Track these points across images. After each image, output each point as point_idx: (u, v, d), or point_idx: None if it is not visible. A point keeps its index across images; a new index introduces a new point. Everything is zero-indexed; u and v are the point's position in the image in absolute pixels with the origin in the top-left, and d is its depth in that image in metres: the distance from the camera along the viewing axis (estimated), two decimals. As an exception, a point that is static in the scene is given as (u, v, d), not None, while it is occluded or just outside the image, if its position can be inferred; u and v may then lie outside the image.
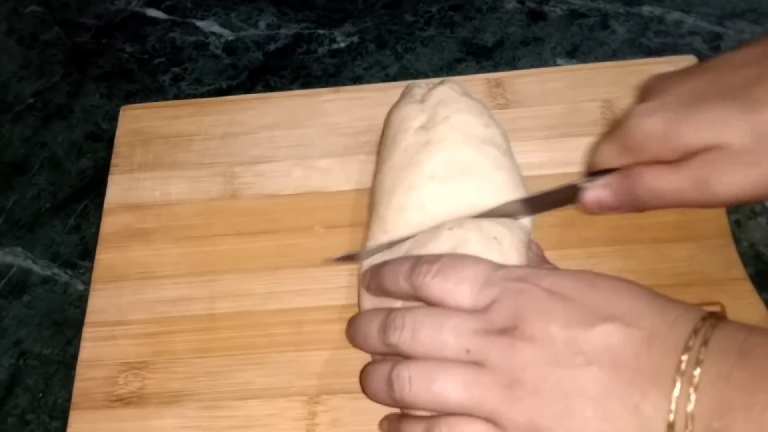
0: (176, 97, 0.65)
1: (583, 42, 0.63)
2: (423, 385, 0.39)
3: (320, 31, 0.67)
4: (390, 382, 0.40)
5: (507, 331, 0.38)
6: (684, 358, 0.35)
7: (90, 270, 0.54)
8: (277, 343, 0.49)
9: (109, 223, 0.56)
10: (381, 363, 0.42)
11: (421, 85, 0.51)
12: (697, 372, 0.34)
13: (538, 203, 0.47)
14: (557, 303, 0.38)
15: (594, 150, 0.45)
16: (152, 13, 0.70)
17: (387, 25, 0.67)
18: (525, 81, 0.58)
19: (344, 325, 0.49)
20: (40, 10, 0.72)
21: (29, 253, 0.58)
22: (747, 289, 0.48)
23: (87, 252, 0.57)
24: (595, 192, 0.45)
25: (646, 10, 0.64)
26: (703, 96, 0.41)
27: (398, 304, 0.43)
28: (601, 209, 0.45)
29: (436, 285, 0.40)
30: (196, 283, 0.52)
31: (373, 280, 0.45)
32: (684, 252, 0.50)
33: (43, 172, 0.62)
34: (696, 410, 0.34)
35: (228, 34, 0.68)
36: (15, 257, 0.58)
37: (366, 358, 0.48)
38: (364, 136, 0.57)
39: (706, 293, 0.48)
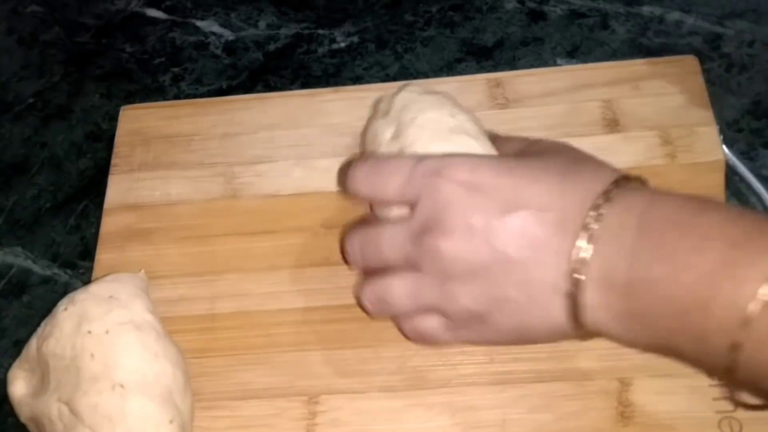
0: (176, 97, 0.65)
1: (583, 42, 0.63)
2: (379, 302, 0.44)
3: (320, 31, 0.67)
4: (360, 303, 0.46)
5: (430, 230, 0.40)
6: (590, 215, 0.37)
7: (90, 270, 0.54)
8: (277, 343, 0.49)
9: (109, 223, 0.56)
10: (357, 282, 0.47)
11: (384, 99, 0.51)
12: (596, 226, 0.37)
13: None
14: (471, 196, 0.40)
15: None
16: (152, 13, 0.70)
17: (387, 25, 0.67)
18: (525, 81, 0.58)
19: (344, 325, 0.49)
20: (40, 10, 0.72)
21: (29, 253, 0.58)
22: (747, 289, 0.48)
23: (87, 252, 0.57)
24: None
25: (646, 10, 0.64)
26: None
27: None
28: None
29: (366, 183, 0.44)
30: (196, 283, 0.52)
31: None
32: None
33: (43, 172, 0.62)
34: (591, 258, 0.37)
35: (228, 34, 0.68)
36: (15, 257, 0.58)
37: (367, 361, 0.48)
38: (364, 136, 0.57)
39: (706, 293, 0.48)
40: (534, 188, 0.39)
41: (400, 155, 0.45)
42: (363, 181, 0.44)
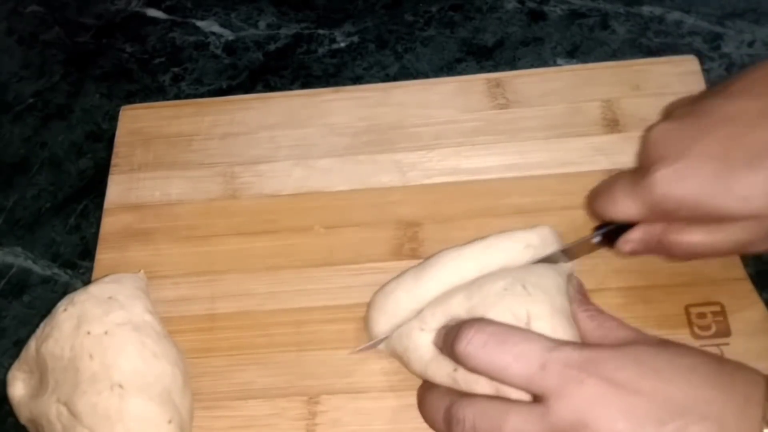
0: (176, 97, 0.65)
1: (583, 42, 0.63)
2: None
3: (320, 31, 0.67)
4: None
5: None
6: None
7: (90, 270, 0.54)
8: (277, 343, 0.49)
9: (109, 223, 0.56)
10: None
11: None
12: None
13: (569, 253, 0.48)
14: (622, 398, 0.36)
15: (610, 200, 0.45)
16: (152, 13, 0.70)
17: (387, 25, 0.67)
18: (525, 81, 0.58)
19: (344, 325, 0.49)
20: (40, 10, 0.72)
21: (29, 253, 0.58)
22: (747, 289, 0.48)
23: (87, 252, 0.57)
24: (628, 246, 0.46)
25: (646, 10, 0.64)
26: (730, 160, 0.41)
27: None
28: (636, 253, 0.46)
29: (484, 358, 0.38)
30: (196, 283, 0.52)
31: (440, 343, 0.43)
32: (684, 252, 0.50)
33: (43, 172, 0.62)
34: None
35: (228, 34, 0.68)
36: (15, 257, 0.58)
37: (367, 361, 0.48)
38: (364, 136, 0.57)
39: (706, 293, 0.48)
40: (690, 394, 0.36)
41: (518, 327, 0.40)
42: (480, 352, 0.38)
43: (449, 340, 0.40)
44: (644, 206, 0.43)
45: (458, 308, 0.43)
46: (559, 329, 0.41)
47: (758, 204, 0.40)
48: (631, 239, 0.45)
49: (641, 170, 0.44)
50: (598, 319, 0.42)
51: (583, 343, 0.40)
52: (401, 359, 0.46)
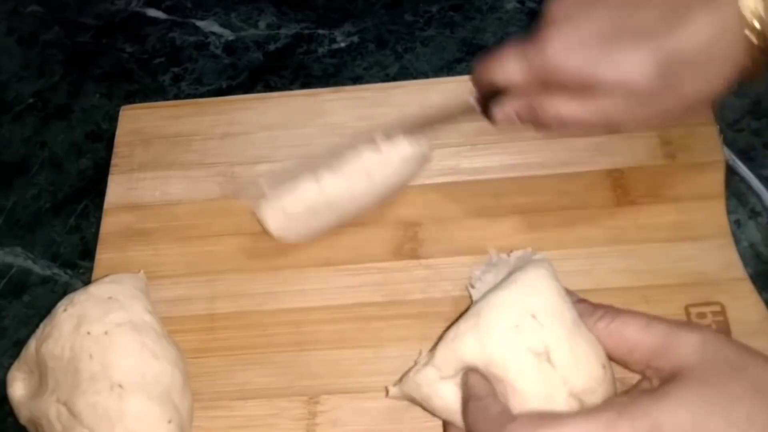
0: (176, 97, 0.65)
1: (583, 42, 0.63)
2: None
3: (320, 31, 0.67)
4: None
5: None
6: None
7: (90, 270, 0.54)
8: (277, 343, 0.49)
9: (109, 223, 0.56)
10: None
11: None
12: None
13: (436, 119, 0.51)
14: None
15: (498, 62, 0.46)
16: (152, 13, 0.70)
17: (387, 25, 0.67)
18: (525, 81, 0.58)
19: (344, 325, 0.49)
20: (40, 10, 0.72)
21: (29, 253, 0.58)
22: (747, 289, 0.48)
23: (87, 252, 0.57)
24: (504, 113, 0.48)
25: (646, 10, 0.64)
26: (617, 34, 0.42)
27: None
28: (509, 125, 0.48)
29: None
30: (195, 283, 0.52)
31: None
32: (684, 252, 0.50)
33: (43, 172, 0.62)
34: None
35: (228, 34, 0.68)
36: (15, 257, 0.58)
37: (367, 361, 0.48)
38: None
39: (706, 293, 0.48)
40: None
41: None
42: None
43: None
44: (529, 68, 0.45)
45: (473, 357, 0.41)
46: (581, 355, 0.40)
47: (629, 71, 0.42)
48: (506, 106, 0.47)
49: (533, 37, 0.45)
50: (616, 332, 0.40)
51: (625, 406, 0.36)
52: (420, 405, 0.44)
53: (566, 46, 0.43)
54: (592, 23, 0.43)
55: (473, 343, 0.41)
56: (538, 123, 0.46)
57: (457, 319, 0.43)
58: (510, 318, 0.41)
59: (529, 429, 0.37)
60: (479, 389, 0.40)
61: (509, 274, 0.44)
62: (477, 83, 0.49)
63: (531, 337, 0.40)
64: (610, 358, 0.41)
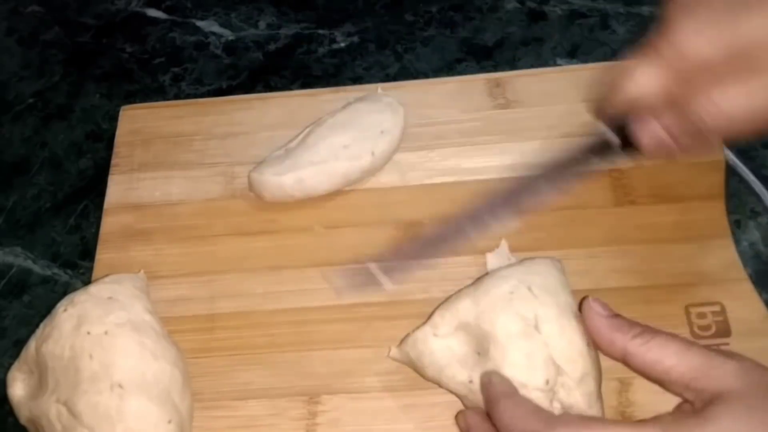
0: (176, 97, 0.65)
1: (583, 42, 0.63)
2: None
3: (320, 31, 0.67)
4: None
5: None
6: None
7: (90, 270, 0.54)
8: (277, 343, 0.49)
9: (109, 223, 0.56)
10: None
11: None
12: None
13: (568, 170, 0.43)
14: None
15: (627, 76, 0.40)
16: (152, 13, 0.70)
17: (387, 25, 0.67)
18: (525, 81, 0.58)
19: (344, 325, 0.49)
20: (40, 10, 0.72)
21: (29, 253, 0.58)
22: (747, 289, 0.48)
23: (87, 252, 0.57)
24: (651, 130, 0.41)
25: (646, 10, 0.64)
26: (743, 1, 0.37)
27: None
28: (661, 149, 0.41)
29: None
30: (196, 283, 0.52)
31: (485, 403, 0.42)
32: (684, 252, 0.50)
33: (43, 172, 0.62)
34: None
35: (228, 34, 0.68)
36: (15, 257, 0.58)
37: (367, 361, 0.48)
38: (364, 136, 0.57)
39: (706, 293, 0.48)
40: None
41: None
42: None
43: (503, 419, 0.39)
44: (667, 67, 0.39)
45: (467, 314, 0.44)
46: (567, 329, 0.42)
47: None
48: (651, 125, 0.40)
49: (656, 38, 0.39)
50: (654, 351, 0.39)
51: (666, 423, 0.37)
52: (414, 365, 0.46)
53: (698, 25, 0.38)
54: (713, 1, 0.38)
55: (469, 302, 0.44)
56: (697, 133, 0.39)
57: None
58: (507, 286, 0.44)
59: (573, 428, 0.37)
60: (506, 386, 0.41)
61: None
62: (605, 113, 0.43)
63: (523, 304, 0.43)
64: (644, 376, 0.41)
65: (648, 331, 0.40)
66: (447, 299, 0.46)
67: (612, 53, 0.62)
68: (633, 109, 0.41)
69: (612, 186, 0.52)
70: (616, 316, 0.42)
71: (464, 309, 0.44)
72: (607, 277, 0.49)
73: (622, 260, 0.49)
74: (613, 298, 0.48)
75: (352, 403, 0.47)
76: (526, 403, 0.40)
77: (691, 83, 0.39)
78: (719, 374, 0.37)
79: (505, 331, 0.42)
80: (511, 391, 0.41)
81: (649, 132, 0.41)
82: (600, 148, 0.43)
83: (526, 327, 0.42)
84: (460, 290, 0.46)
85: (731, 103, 0.38)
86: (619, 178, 0.53)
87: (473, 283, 0.45)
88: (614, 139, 0.42)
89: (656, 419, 0.38)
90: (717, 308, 0.48)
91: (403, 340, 0.46)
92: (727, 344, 0.46)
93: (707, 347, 0.39)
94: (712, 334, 0.47)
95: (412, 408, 0.46)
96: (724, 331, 0.47)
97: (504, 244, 0.50)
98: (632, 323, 0.41)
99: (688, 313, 0.48)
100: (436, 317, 0.45)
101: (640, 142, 0.41)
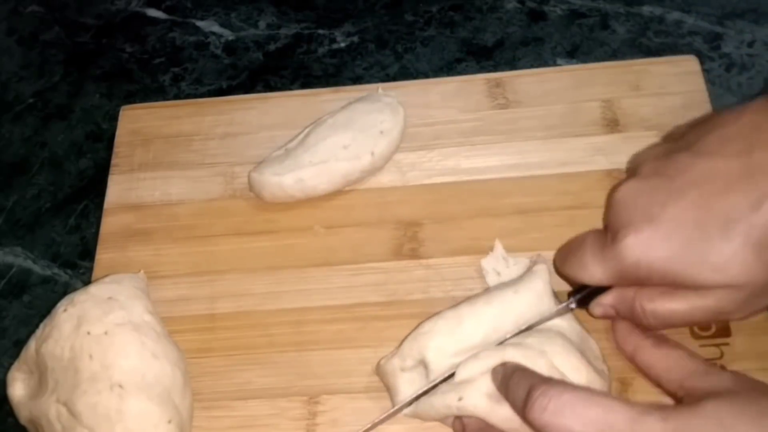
0: (176, 97, 0.65)
1: (583, 42, 0.63)
2: None
3: (320, 31, 0.67)
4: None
5: None
6: None
7: (90, 270, 0.54)
8: (277, 343, 0.49)
9: (109, 223, 0.55)
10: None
11: None
12: None
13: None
14: None
15: (579, 265, 0.44)
16: (152, 13, 0.70)
17: (387, 25, 0.67)
18: (525, 81, 0.58)
19: (344, 325, 0.49)
20: (40, 10, 0.72)
21: (29, 253, 0.58)
22: (747, 289, 0.48)
23: (87, 252, 0.57)
24: (600, 310, 0.44)
25: (646, 10, 0.64)
26: (702, 227, 0.39)
27: None
28: (610, 317, 0.45)
29: (562, 430, 0.36)
30: (196, 283, 0.52)
31: (499, 386, 0.42)
32: (684, 252, 0.50)
33: (43, 172, 0.62)
34: None
35: (228, 34, 0.68)
36: (15, 257, 0.58)
37: (367, 361, 0.48)
38: (364, 136, 0.57)
39: (706, 293, 0.48)
40: None
41: (597, 393, 0.39)
42: (556, 420, 0.36)
43: (516, 397, 0.39)
44: (613, 272, 0.42)
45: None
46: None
47: (734, 273, 0.38)
48: (602, 303, 0.44)
49: (609, 233, 0.42)
50: (663, 350, 0.42)
51: (662, 407, 0.37)
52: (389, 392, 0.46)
53: (647, 247, 0.40)
54: (672, 213, 0.40)
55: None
56: (641, 321, 0.43)
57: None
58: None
59: (578, 395, 0.37)
60: (514, 364, 0.41)
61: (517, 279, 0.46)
62: (564, 278, 0.46)
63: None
64: (646, 373, 0.43)
65: (660, 336, 0.43)
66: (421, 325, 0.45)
67: (612, 53, 0.62)
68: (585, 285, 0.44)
69: (612, 186, 0.52)
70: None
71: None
72: (607, 277, 0.49)
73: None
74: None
75: (351, 403, 0.47)
76: (536, 373, 0.40)
77: (639, 287, 0.42)
78: (714, 377, 0.38)
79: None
80: (522, 366, 0.41)
81: (600, 306, 0.44)
82: (564, 311, 0.46)
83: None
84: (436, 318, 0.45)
85: (673, 313, 0.41)
86: (618, 178, 0.53)
87: (453, 316, 0.45)
88: (573, 307, 0.45)
89: (647, 403, 0.38)
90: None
91: (378, 365, 0.46)
92: (727, 344, 0.46)
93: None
94: (712, 334, 0.47)
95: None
96: (724, 331, 0.47)
97: (498, 246, 0.50)
98: (647, 331, 0.44)
99: (688, 313, 0.48)
100: (405, 348, 0.45)
101: (590, 310, 0.45)
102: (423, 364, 0.44)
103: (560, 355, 0.42)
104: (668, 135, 0.46)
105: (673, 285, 0.40)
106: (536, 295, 0.45)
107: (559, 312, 0.45)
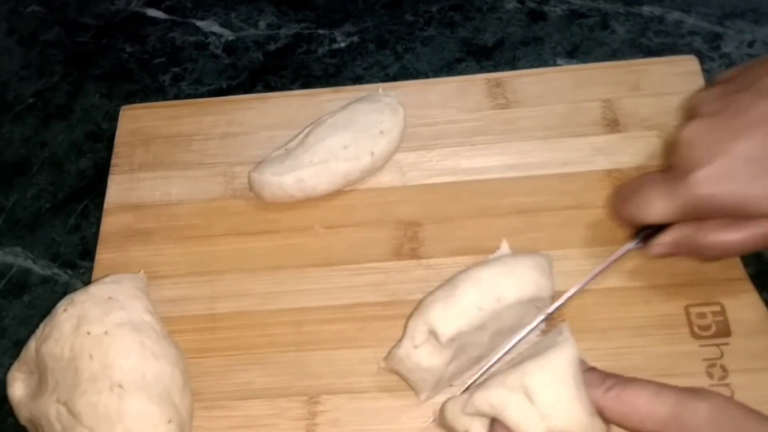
0: (176, 97, 0.65)
1: (583, 42, 0.63)
2: None
3: (320, 31, 0.67)
4: None
5: None
6: None
7: (90, 270, 0.54)
8: (277, 343, 0.49)
9: (109, 223, 0.56)
10: None
11: None
12: None
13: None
14: None
15: (645, 203, 0.45)
16: (152, 13, 0.70)
17: (387, 25, 0.67)
18: (525, 81, 0.58)
19: (344, 325, 0.49)
20: (40, 10, 0.72)
21: (29, 253, 0.58)
22: (747, 289, 0.48)
23: (87, 252, 0.57)
24: (661, 249, 0.46)
25: (646, 10, 0.64)
26: (764, 163, 0.42)
27: None
28: (670, 256, 0.47)
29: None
30: (196, 283, 0.52)
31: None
32: (684, 252, 0.50)
33: (43, 172, 0.62)
34: None
35: (228, 34, 0.68)
36: (15, 257, 0.58)
37: (367, 361, 0.48)
38: (364, 136, 0.57)
39: (706, 293, 0.48)
40: None
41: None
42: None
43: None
44: (681, 207, 0.44)
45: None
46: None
47: None
48: (663, 242, 0.46)
49: (675, 171, 0.44)
50: (627, 402, 0.39)
51: None
52: (406, 379, 0.46)
53: (717, 180, 0.42)
54: (740, 149, 0.42)
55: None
56: (700, 254, 0.46)
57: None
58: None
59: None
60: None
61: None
62: (623, 220, 0.48)
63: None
64: (620, 426, 0.40)
65: (619, 382, 0.39)
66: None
67: (612, 53, 0.62)
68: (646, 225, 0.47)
69: (612, 186, 0.52)
70: (589, 369, 0.40)
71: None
72: (608, 277, 0.49)
73: (622, 260, 0.49)
74: (614, 298, 0.48)
75: (351, 403, 0.47)
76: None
77: (701, 219, 0.44)
78: (692, 419, 0.37)
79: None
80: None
81: (659, 245, 0.46)
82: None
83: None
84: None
85: (733, 243, 0.44)
86: (619, 178, 0.53)
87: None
88: (638, 245, 0.47)
89: None
90: (717, 308, 0.48)
91: (388, 356, 0.46)
92: (727, 344, 0.46)
93: (681, 389, 0.38)
94: (712, 334, 0.47)
95: (412, 408, 0.46)
96: (724, 331, 0.47)
97: (505, 245, 0.50)
98: (604, 376, 0.40)
99: (688, 313, 0.48)
100: (410, 327, 0.45)
101: (650, 249, 0.47)
102: (432, 334, 0.44)
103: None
104: (720, 78, 0.47)
105: (736, 216, 0.43)
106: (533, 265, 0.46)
107: (620, 255, 0.47)
